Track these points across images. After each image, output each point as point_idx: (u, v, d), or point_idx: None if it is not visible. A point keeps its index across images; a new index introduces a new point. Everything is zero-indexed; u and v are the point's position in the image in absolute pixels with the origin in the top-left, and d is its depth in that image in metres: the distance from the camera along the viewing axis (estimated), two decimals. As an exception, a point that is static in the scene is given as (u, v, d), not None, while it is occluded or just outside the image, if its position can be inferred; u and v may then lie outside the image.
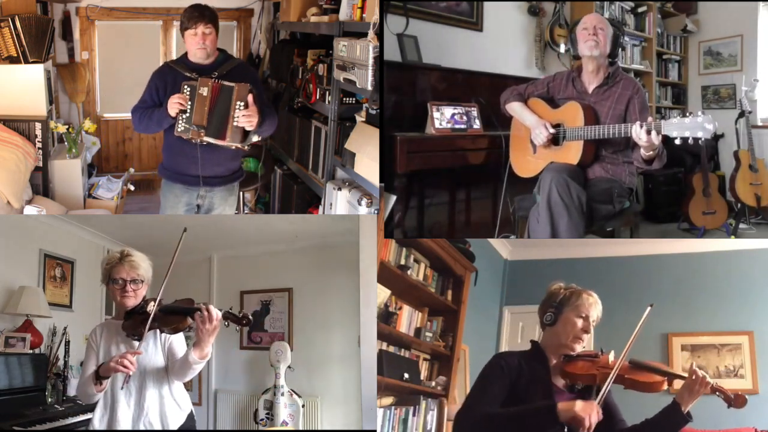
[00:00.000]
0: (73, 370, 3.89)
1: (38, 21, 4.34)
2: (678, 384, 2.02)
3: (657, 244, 4.55)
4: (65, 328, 3.93)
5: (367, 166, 3.36)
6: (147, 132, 3.40)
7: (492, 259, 4.64)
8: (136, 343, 2.28)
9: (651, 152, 2.85)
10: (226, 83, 3.15)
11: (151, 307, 2.28)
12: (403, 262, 3.48)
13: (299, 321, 4.54)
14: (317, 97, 4.02)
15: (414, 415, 3.36)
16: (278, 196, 4.80)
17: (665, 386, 2.04)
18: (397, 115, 3.57)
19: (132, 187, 5.17)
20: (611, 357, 2.08)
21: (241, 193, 4.25)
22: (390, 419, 3.29)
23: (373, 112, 3.40)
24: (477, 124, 3.70)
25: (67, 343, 3.91)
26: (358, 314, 3.29)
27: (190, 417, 2.43)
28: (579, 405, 1.86)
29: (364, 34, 3.25)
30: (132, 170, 5.37)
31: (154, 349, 2.34)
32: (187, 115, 3.16)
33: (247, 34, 6.07)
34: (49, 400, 3.66)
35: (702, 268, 4.33)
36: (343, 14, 3.65)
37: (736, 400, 2.00)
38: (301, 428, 4.20)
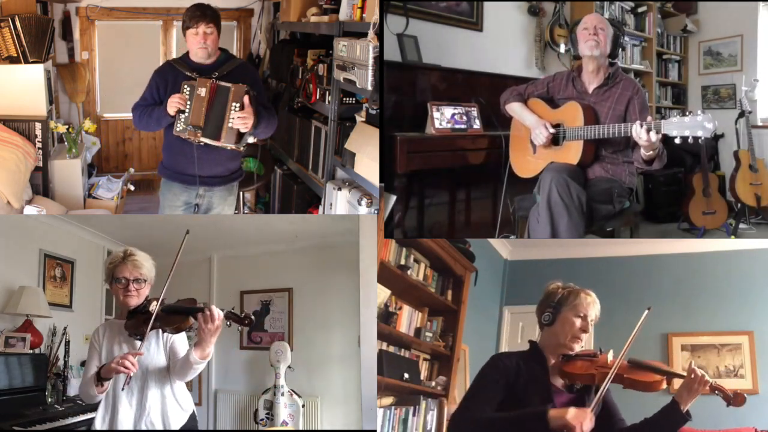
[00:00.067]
0: (73, 370, 3.89)
1: (38, 21, 4.34)
2: (677, 383, 2.01)
3: (657, 244, 4.55)
4: (65, 328, 3.94)
5: (367, 166, 3.36)
6: (147, 130, 3.40)
7: (492, 259, 4.64)
8: (139, 343, 2.28)
9: (651, 152, 2.85)
10: (223, 84, 3.15)
11: (154, 307, 2.28)
12: (403, 262, 3.47)
13: (299, 321, 4.54)
14: (317, 97, 4.02)
15: (414, 415, 3.36)
16: (278, 196, 4.80)
17: (664, 385, 2.03)
18: (397, 115, 3.57)
19: (132, 187, 5.17)
20: (610, 356, 2.08)
21: (241, 193, 4.24)
22: (390, 419, 3.28)
23: (373, 112, 3.40)
24: (477, 124, 3.69)
25: (67, 343, 3.92)
26: (358, 314, 3.29)
27: (192, 417, 2.43)
28: (571, 413, 1.84)
29: (364, 34, 3.25)
30: (132, 170, 5.37)
31: (156, 348, 2.34)
32: (186, 115, 3.17)
33: (247, 34, 6.07)
34: (49, 400, 3.66)
35: (702, 268, 4.33)
36: (343, 14, 3.65)
37: (735, 399, 1.99)
38: (301, 428, 4.20)
